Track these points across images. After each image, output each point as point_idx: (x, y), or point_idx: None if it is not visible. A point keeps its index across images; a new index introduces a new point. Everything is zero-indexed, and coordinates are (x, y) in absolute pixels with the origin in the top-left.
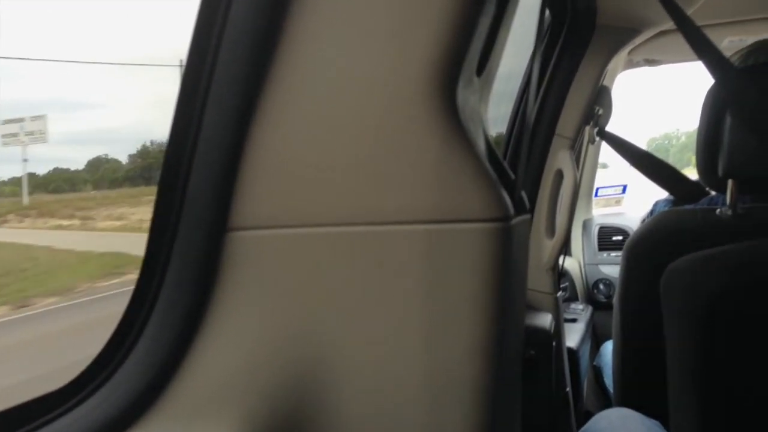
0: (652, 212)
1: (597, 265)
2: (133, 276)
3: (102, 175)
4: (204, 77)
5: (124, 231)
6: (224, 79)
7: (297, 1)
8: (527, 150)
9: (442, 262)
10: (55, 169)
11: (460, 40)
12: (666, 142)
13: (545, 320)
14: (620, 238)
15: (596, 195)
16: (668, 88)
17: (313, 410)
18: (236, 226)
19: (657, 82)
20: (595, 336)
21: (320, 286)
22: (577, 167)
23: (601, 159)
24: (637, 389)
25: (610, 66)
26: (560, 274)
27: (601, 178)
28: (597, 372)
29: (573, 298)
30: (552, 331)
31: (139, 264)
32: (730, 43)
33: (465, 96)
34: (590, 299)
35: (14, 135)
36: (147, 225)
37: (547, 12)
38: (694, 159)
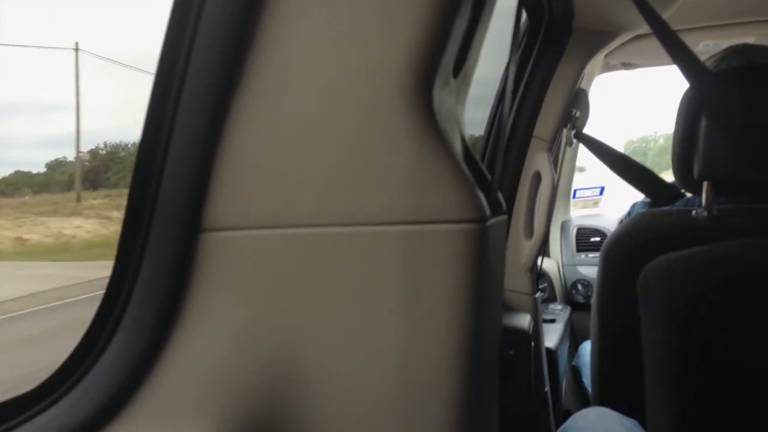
0: (629, 214)
1: (575, 266)
2: None
3: (52, 178)
4: (177, 76)
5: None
6: (198, 78)
7: (273, 0)
8: (503, 152)
9: (418, 263)
10: (17, 172)
11: (436, 41)
12: (644, 145)
13: (524, 321)
14: (598, 239)
15: (574, 197)
16: (646, 91)
17: (289, 412)
18: (210, 227)
19: (635, 86)
20: (574, 336)
21: (296, 287)
22: (555, 169)
23: (579, 162)
24: (614, 388)
25: (587, 69)
26: (539, 275)
27: (578, 182)
28: (575, 372)
29: (551, 298)
30: (531, 331)
31: None
32: (705, 47)
33: (441, 97)
34: (569, 300)
35: None
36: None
37: (525, 15)
38: None
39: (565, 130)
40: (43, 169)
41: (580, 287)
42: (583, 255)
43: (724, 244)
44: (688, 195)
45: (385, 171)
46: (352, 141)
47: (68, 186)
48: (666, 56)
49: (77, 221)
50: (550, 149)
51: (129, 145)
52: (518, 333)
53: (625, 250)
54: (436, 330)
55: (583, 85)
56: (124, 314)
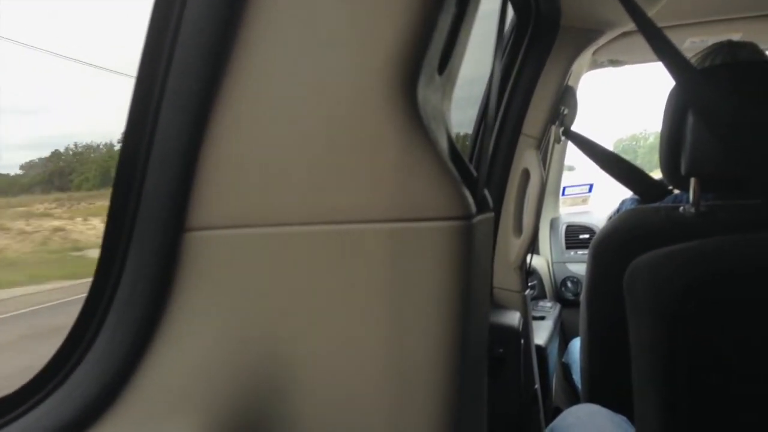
0: (618, 210)
1: (564, 263)
2: None
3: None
4: (160, 74)
5: None
6: (181, 76)
7: None
8: (489, 149)
9: (404, 261)
10: None
11: (420, 37)
12: (633, 143)
13: (513, 318)
14: (587, 236)
15: (563, 194)
16: (637, 88)
17: (275, 411)
18: (194, 226)
19: (626, 83)
20: (564, 333)
21: (280, 286)
22: (544, 167)
23: (568, 161)
24: (604, 385)
25: (575, 66)
26: (528, 273)
27: (567, 181)
28: (565, 369)
29: (541, 296)
30: (520, 328)
31: None
32: (692, 44)
33: (426, 94)
34: (558, 297)
35: None
36: None
37: (513, 13)
38: None
39: (553, 128)
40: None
41: (569, 284)
42: (572, 252)
43: (712, 240)
44: (676, 192)
45: (369, 168)
46: (336, 139)
47: (26, 189)
48: (653, 53)
49: None
50: (538, 146)
51: (101, 146)
52: (508, 330)
53: (614, 247)
54: (423, 327)
55: (570, 83)
56: (108, 313)
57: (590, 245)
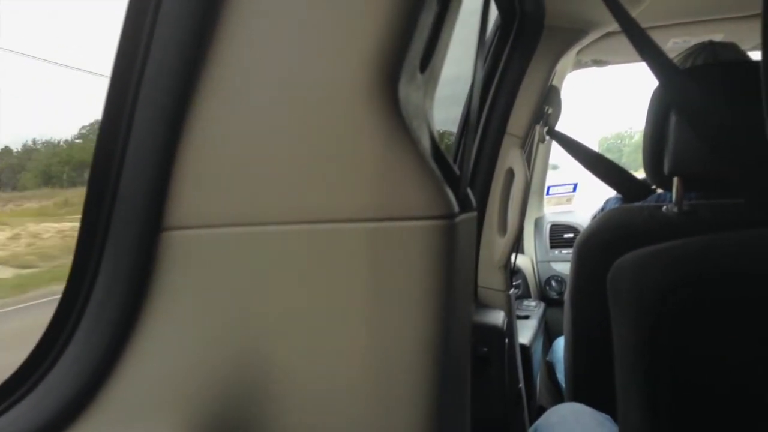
0: (602, 210)
1: (549, 262)
2: None
3: None
4: (134, 74)
5: None
6: (156, 75)
7: None
8: (473, 148)
9: (385, 261)
10: None
11: (401, 35)
12: (618, 141)
13: (498, 317)
14: (571, 235)
15: (548, 193)
16: (621, 88)
17: (255, 413)
18: (171, 226)
19: (610, 82)
20: (548, 332)
21: (260, 286)
22: (528, 166)
23: (552, 160)
24: (588, 384)
25: (559, 66)
26: (512, 272)
27: (552, 180)
28: (549, 368)
29: (525, 295)
30: (504, 328)
31: None
32: (675, 44)
33: (407, 92)
34: (542, 296)
35: None
36: None
37: (497, 13)
38: None
39: (537, 127)
40: None
41: (553, 283)
42: (556, 251)
43: (695, 239)
44: (660, 191)
45: (349, 167)
46: (316, 137)
47: None
48: (636, 53)
49: None
50: (522, 146)
51: (61, 143)
52: (492, 330)
53: (598, 246)
54: (405, 327)
55: (555, 82)
56: (82, 315)
57: (574, 244)
